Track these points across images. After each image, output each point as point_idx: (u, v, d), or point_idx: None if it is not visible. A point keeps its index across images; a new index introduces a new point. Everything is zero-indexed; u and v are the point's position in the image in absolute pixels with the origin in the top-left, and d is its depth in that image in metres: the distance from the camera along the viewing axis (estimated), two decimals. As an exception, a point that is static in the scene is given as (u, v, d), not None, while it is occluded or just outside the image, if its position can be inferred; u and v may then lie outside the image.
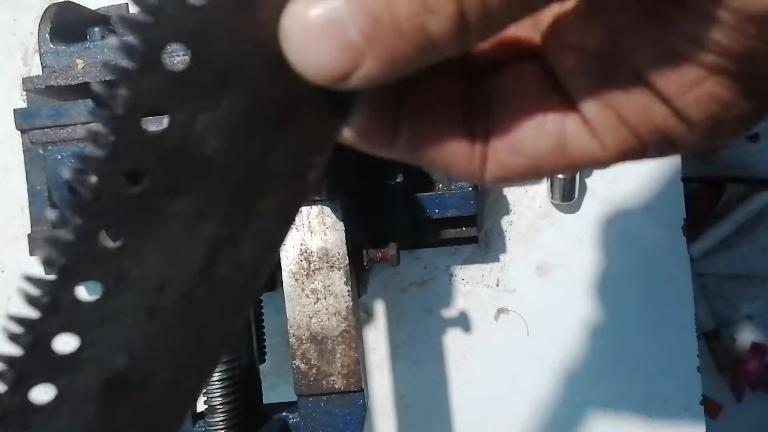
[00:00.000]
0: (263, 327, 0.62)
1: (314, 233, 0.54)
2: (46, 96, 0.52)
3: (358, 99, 0.25)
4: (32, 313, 0.26)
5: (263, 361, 0.61)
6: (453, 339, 0.72)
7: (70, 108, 0.61)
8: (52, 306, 0.26)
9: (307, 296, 0.54)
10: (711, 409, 1.33)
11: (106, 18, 0.57)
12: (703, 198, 1.38)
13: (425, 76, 0.25)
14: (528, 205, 0.71)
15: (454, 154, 0.27)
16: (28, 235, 0.67)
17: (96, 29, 0.52)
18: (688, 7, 0.22)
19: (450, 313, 0.72)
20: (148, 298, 0.25)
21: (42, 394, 0.26)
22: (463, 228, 0.65)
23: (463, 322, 0.72)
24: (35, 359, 0.26)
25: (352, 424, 0.53)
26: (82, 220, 0.24)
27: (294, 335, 0.54)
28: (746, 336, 1.39)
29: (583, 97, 0.26)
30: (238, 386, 0.52)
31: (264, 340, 0.62)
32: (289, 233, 0.27)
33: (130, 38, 0.22)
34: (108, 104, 0.23)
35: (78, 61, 0.50)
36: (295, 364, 0.54)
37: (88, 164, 0.23)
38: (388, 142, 0.27)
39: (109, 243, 0.24)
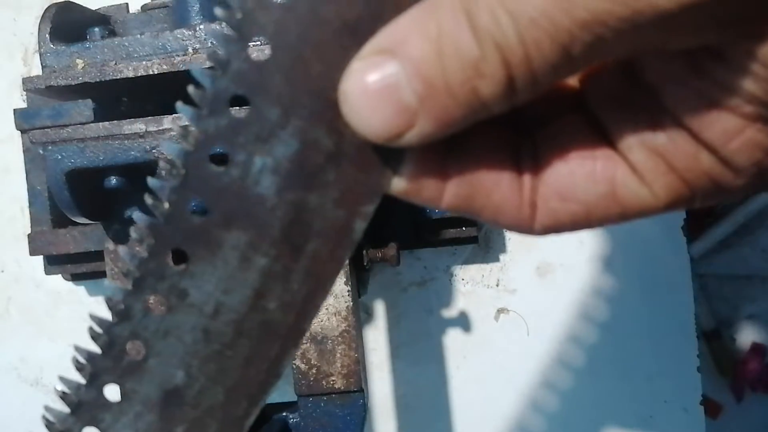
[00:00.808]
0: (263, 327, 0.62)
1: (314, 233, 0.54)
2: (46, 96, 0.52)
3: (408, 153, 0.27)
4: (109, 317, 0.29)
5: (263, 361, 0.61)
6: (453, 339, 0.72)
7: (71, 108, 0.61)
8: (126, 313, 0.28)
9: (307, 296, 0.54)
10: (711, 409, 1.33)
11: (106, 18, 0.57)
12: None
13: (473, 128, 0.26)
14: (528, 205, 0.71)
15: (504, 203, 0.27)
16: (28, 235, 0.67)
17: (96, 29, 0.52)
18: (725, 61, 0.23)
19: (450, 313, 0.72)
20: (205, 320, 0.28)
21: (112, 392, 0.29)
22: (463, 228, 0.65)
23: (463, 322, 0.72)
24: (109, 359, 0.29)
25: (353, 424, 0.53)
26: (154, 240, 0.28)
27: (294, 335, 0.54)
28: (746, 336, 1.39)
29: (629, 146, 0.26)
30: (238, 386, 0.52)
31: (264, 340, 0.62)
32: (336, 278, 0.29)
33: (202, 86, 0.26)
34: (181, 140, 0.26)
35: (78, 61, 0.50)
36: (295, 364, 0.54)
37: (162, 192, 0.27)
38: (437, 194, 0.28)
39: (174, 264, 0.28)
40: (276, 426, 0.55)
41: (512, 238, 0.71)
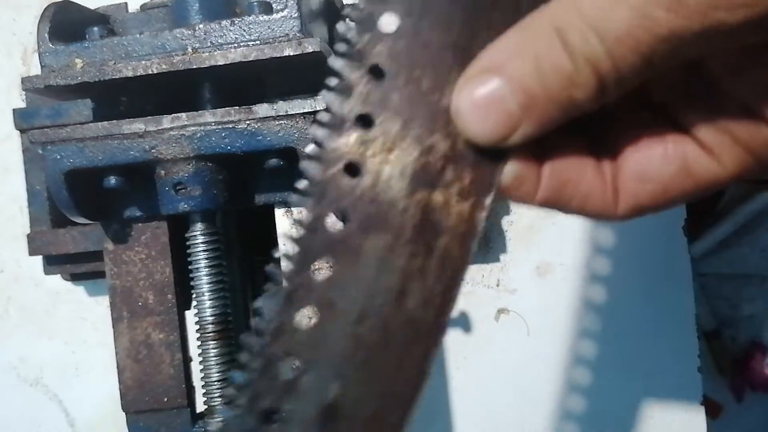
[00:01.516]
0: (263, 327, 0.62)
1: (314, 233, 0.53)
2: (45, 95, 0.52)
3: (511, 152, 0.31)
4: (261, 340, 0.29)
5: (263, 361, 0.61)
6: (453, 339, 0.72)
7: (70, 108, 0.60)
8: (279, 330, 0.29)
9: (307, 296, 0.53)
10: (711, 409, 1.33)
11: (105, 17, 0.56)
12: (703, 198, 1.38)
13: (558, 130, 0.30)
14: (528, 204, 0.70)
15: (590, 191, 0.31)
16: (28, 235, 0.66)
17: (95, 29, 0.51)
18: None
19: (450, 313, 0.72)
20: (352, 327, 0.30)
21: (270, 417, 0.29)
22: (463, 228, 0.65)
23: (463, 322, 0.72)
24: (265, 381, 0.29)
25: (352, 424, 0.53)
26: (299, 253, 0.29)
27: (294, 335, 0.53)
28: (746, 336, 1.39)
29: (696, 126, 0.30)
30: (237, 386, 0.52)
31: (264, 340, 0.62)
32: (467, 269, 0.31)
33: (330, 110, 0.30)
34: (315, 159, 0.30)
35: (77, 60, 0.50)
36: (294, 365, 0.53)
37: (302, 203, 0.29)
38: (533, 188, 0.31)
39: (319, 275, 0.30)
40: (276, 426, 0.55)
41: (512, 239, 0.71)
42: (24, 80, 0.50)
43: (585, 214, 0.33)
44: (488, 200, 0.31)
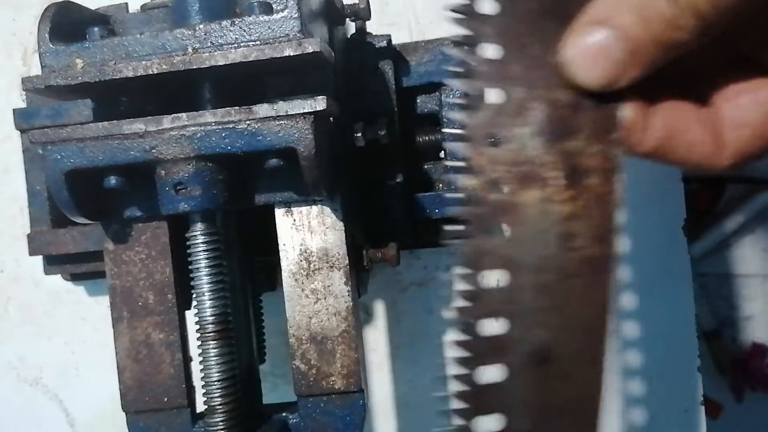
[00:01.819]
0: (263, 327, 0.62)
1: (314, 233, 0.53)
2: (45, 96, 0.52)
3: (622, 97, 0.35)
4: (463, 303, 0.34)
5: (263, 361, 0.61)
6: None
7: (70, 108, 0.61)
8: (474, 297, 0.34)
9: (307, 296, 0.53)
10: (711, 409, 1.33)
11: (105, 18, 0.56)
12: (703, 198, 1.38)
13: (662, 85, 0.35)
14: (528, 205, 0.70)
15: (695, 139, 0.35)
16: (28, 235, 0.66)
17: (96, 29, 0.51)
18: None
19: (450, 313, 0.72)
20: (535, 276, 0.34)
21: (491, 370, 0.34)
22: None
23: (463, 322, 0.72)
24: (476, 344, 0.34)
25: (352, 424, 0.53)
26: (471, 223, 0.34)
27: (294, 335, 0.53)
28: (746, 336, 1.39)
29: None
30: (237, 387, 0.52)
31: (264, 340, 0.62)
32: (620, 203, 0.35)
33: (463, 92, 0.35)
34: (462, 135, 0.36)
35: (77, 60, 0.50)
36: (294, 365, 0.53)
37: (458, 180, 0.35)
38: (644, 137, 0.36)
39: (494, 239, 0.35)
40: (276, 426, 0.55)
41: (512, 238, 0.71)
42: (24, 80, 0.50)
43: (691, 164, 0.36)
44: (617, 135, 0.35)
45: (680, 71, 0.35)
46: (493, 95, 0.35)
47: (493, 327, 0.34)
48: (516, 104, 0.34)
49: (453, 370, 0.34)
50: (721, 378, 1.39)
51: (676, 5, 0.31)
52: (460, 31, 0.34)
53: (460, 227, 0.34)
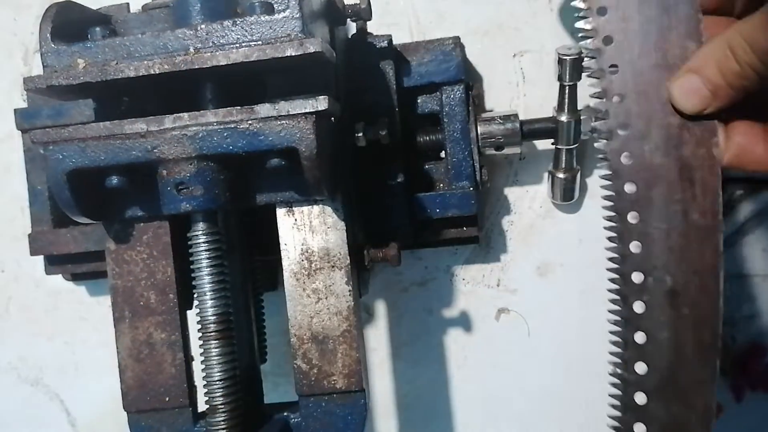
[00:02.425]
0: (264, 327, 0.62)
1: (315, 233, 0.54)
2: (46, 96, 0.52)
3: (711, 118, 0.53)
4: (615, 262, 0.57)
5: (264, 361, 0.61)
6: (454, 339, 0.72)
7: (71, 108, 0.61)
8: (624, 259, 0.57)
9: (309, 296, 0.54)
10: (711, 409, 1.33)
11: (107, 18, 0.56)
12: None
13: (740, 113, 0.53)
14: (529, 205, 0.71)
15: (761, 155, 0.53)
16: (29, 235, 0.67)
17: (97, 29, 0.51)
18: None
19: (451, 313, 0.72)
20: (666, 242, 0.54)
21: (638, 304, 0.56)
22: (464, 228, 0.65)
23: (464, 322, 0.72)
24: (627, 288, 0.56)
25: (353, 424, 0.53)
26: (614, 209, 0.56)
27: (295, 335, 0.54)
28: (746, 336, 1.39)
29: None
30: (239, 386, 0.52)
31: (265, 340, 0.62)
32: (721, 186, 0.54)
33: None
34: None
35: (79, 60, 0.50)
36: (296, 364, 0.54)
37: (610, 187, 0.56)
38: (722, 152, 0.53)
39: (632, 222, 0.55)
40: (277, 426, 0.55)
41: (513, 238, 0.71)
42: (26, 80, 0.50)
43: (762, 172, 0.53)
44: (719, 138, 0.53)
45: (754, 102, 0.52)
46: (620, 130, 0.54)
47: (638, 277, 0.55)
48: (640, 132, 0.54)
49: (612, 306, 0.57)
50: (721, 378, 1.38)
51: (742, 64, 0.50)
52: (594, 85, 0.55)
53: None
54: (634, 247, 0.54)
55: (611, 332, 0.58)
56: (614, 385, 0.59)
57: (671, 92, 0.53)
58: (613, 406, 0.58)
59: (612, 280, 0.57)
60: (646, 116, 0.53)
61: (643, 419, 0.57)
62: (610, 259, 0.56)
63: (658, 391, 0.56)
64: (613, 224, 0.55)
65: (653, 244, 0.54)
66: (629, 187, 0.54)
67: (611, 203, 0.55)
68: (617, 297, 0.56)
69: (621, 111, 0.54)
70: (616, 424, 0.58)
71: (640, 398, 0.57)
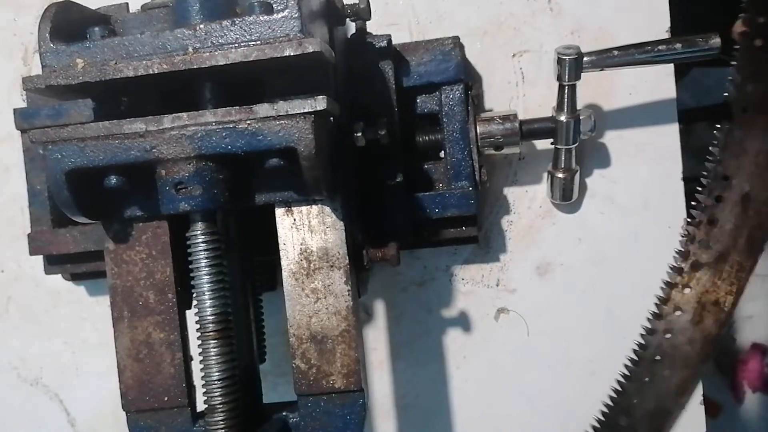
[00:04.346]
0: (263, 327, 0.62)
1: (314, 233, 0.54)
2: (46, 95, 0.52)
3: None
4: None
5: (263, 360, 0.61)
6: (453, 339, 0.72)
7: (70, 107, 0.61)
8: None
9: (307, 296, 0.54)
10: (711, 409, 1.33)
11: (106, 18, 0.56)
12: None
13: None
14: (528, 205, 0.71)
15: None
16: (28, 235, 0.67)
17: (96, 29, 0.51)
18: None
19: (450, 313, 0.72)
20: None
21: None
22: (463, 228, 0.65)
23: (463, 322, 0.72)
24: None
25: (352, 423, 0.53)
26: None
27: (294, 335, 0.54)
28: (746, 336, 1.39)
29: None
30: (238, 386, 0.52)
31: (264, 339, 0.62)
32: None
33: None
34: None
35: (78, 60, 0.50)
36: (295, 364, 0.54)
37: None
38: None
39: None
40: (276, 425, 0.55)
41: (512, 238, 0.71)
42: (25, 80, 0.50)
43: None
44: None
45: None
46: None
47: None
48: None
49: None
50: (721, 378, 1.39)
51: None
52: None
53: None
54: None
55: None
56: None
57: None
58: None
59: None
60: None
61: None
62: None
63: None
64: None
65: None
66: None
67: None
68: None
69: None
70: None
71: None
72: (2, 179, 0.78)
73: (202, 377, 0.52)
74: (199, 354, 0.52)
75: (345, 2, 0.60)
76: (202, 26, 0.49)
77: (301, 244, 0.54)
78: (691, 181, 0.68)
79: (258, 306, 0.61)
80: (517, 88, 0.70)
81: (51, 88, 0.50)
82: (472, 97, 0.64)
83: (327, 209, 0.53)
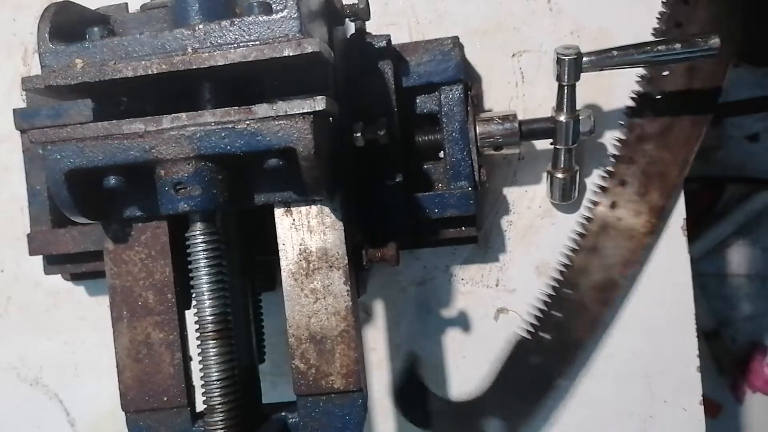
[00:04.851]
0: (262, 327, 0.62)
1: (314, 233, 0.54)
2: (45, 96, 0.52)
3: None
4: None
5: (262, 361, 0.61)
6: (453, 339, 0.72)
7: (70, 108, 0.61)
8: None
9: (307, 296, 0.54)
10: (711, 409, 1.33)
11: (105, 18, 0.56)
12: (703, 198, 1.38)
13: None
14: (528, 205, 0.70)
15: None
16: (28, 235, 0.67)
17: (95, 29, 0.51)
18: None
19: (450, 312, 0.72)
20: None
21: None
22: (463, 228, 0.65)
23: (462, 321, 0.72)
24: None
25: (352, 423, 0.53)
26: None
27: (293, 335, 0.54)
28: (746, 336, 1.39)
29: None
30: (237, 386, 0.52)
31: (263, 340, 0.62)
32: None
33: None
34: None
35: (77, 60, 0.50)
36: (294, 364, 0.54)
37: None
38: None
39: None
40: (275, 426, 0.55)
41: (512, 238, 0.71)
42: (24, 80, 0.50)
43: None
44: None
45: None
46: None
47: None
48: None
49: None
50: (721, 378, 1.39)
51: None
52: None
53: None
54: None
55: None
56: None
57: None
58: None
59: None
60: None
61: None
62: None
63: None
64: None
65: None
66: None
67: None
68: None
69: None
70: None
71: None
72: (2, 179, 0.78)
73: (202, 377, 0.52)
74: (199, 354, 0.52)
75: (344, 2, 0.60)
76: (201, 26, 0.49)
77: (301, 245, 0.54)
78: (691, 181, 0.68)
79: (257, 306, 0.61)
80: (517, 88, 0.70)
81: (50, 88, 0.50)
82: (472, 97, 0.64)
83: (326, 209, 0.53)
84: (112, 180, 0.51)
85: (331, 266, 0.53)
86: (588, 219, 0.67)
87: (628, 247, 0.67)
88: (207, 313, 0.51)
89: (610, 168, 0.67)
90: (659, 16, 0.66)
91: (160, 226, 0.54)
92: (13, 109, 0.66)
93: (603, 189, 0.67)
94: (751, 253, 1.40)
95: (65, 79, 0.49)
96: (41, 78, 0.50)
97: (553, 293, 0.68)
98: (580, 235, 0.67)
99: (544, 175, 0.69)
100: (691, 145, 0.66)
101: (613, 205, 0.67)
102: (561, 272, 0.68)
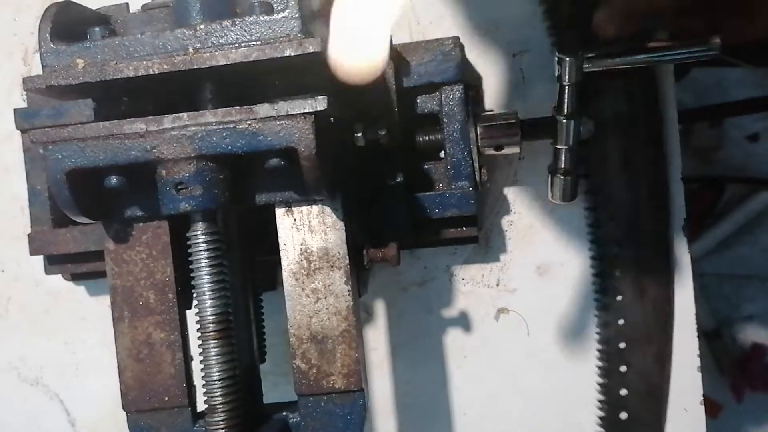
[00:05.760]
0: (263, 326, 0.62)
1: (315, 233, 0.54)
2: (46, 96, 0.52)
3: None
4: None
5: (263, 360, 0.61)
6: (453, 339, 0.72)
7: (71, 107, 0.61)
8: None
9: (308, 296, 0.54)
10: (711, 409, 1.33)
11: (106, 18, 0.57)
12: (703, 198, 1.38)
13: None
14: (528, 204, 0.71)
15: None
16: (29, 235, 0.67)
17: (96, 29, 0.51)
18: None
19: (450, 312, 0.72)
20: None
21: None
22: (464, 228, 0.65)
23: (463, 321, 0.72)
24: None
25: (353, 423, 0.53)
26: None
27: (294, 335, 0.54)
28: (746, 336, 1.39)
29: None
30: (238, 386, 0.52)
31: (264, 339, 0.62)
32: None
33: None
34: None
35: (78, 60, 0.50)
36: (295, 364, 0.54)
37: None
38: None
39: None
40: (276, 426, 0.55)
41: (512, 238, 0.71)
42: (25, 80, 0.50)
43: None
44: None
45: None
46: None
47: None
48: None
49: None
50: (721, 378, 1.39)
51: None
52: None
53: None
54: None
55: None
56: None
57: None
58: None
59: None
60: None
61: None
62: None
63: None
64: None
65: None
66: None
67: None
68: None
69: None
70: None
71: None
72: (2, 179, 0.78)
73: (203, 377, 0.52)
74: (200, 354, 0.52)
75: (345, 2, 0.60)
76: (202, 26, 0.49)
77: (302, 244, 0.54)
78: (691, 181, 0.68)
79: (258, 306, 0.61)
80: (518, 88, 0.70)
81: (51, 89, 0.50)
82: (472, 97, 0.64)
83: (327, 209, 0.53)
84: (113, 180, 0.51)
85: (332, 266, 0.53)
86: (603, 341, 0.67)
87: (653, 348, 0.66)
88: (208, 313, 0.51)
89: (601, 287, 0.67)
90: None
91: (161, 226, 0.54)
92: (14, 109, 0.66)
93: (605, 306, 0.67)
94: (751, 253, 1.40)
95: (66, 79, 0.49)
96: (42, 78, 0.50)
97: (605, 419, 0.67)
98: (603, 358, 0.67)
99: (545, 175, 0.69)
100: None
101: (619, 318, 0.67)
102: (603, 399, 0.68)
